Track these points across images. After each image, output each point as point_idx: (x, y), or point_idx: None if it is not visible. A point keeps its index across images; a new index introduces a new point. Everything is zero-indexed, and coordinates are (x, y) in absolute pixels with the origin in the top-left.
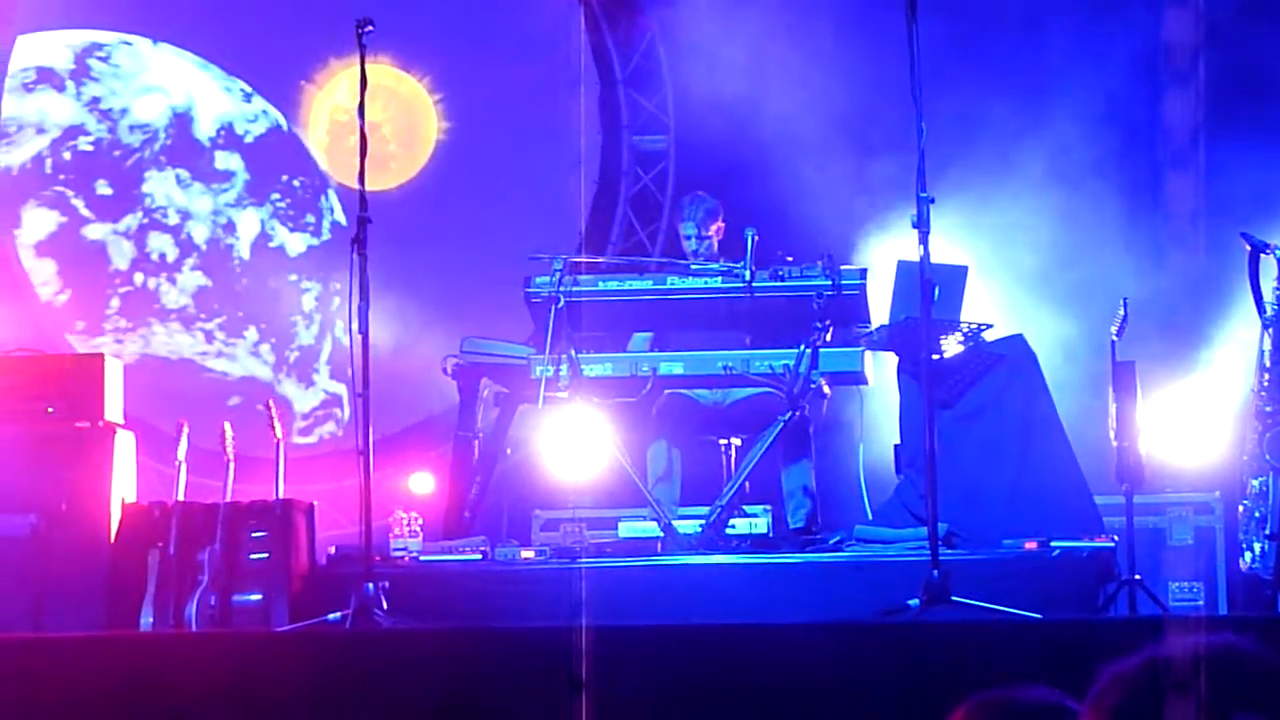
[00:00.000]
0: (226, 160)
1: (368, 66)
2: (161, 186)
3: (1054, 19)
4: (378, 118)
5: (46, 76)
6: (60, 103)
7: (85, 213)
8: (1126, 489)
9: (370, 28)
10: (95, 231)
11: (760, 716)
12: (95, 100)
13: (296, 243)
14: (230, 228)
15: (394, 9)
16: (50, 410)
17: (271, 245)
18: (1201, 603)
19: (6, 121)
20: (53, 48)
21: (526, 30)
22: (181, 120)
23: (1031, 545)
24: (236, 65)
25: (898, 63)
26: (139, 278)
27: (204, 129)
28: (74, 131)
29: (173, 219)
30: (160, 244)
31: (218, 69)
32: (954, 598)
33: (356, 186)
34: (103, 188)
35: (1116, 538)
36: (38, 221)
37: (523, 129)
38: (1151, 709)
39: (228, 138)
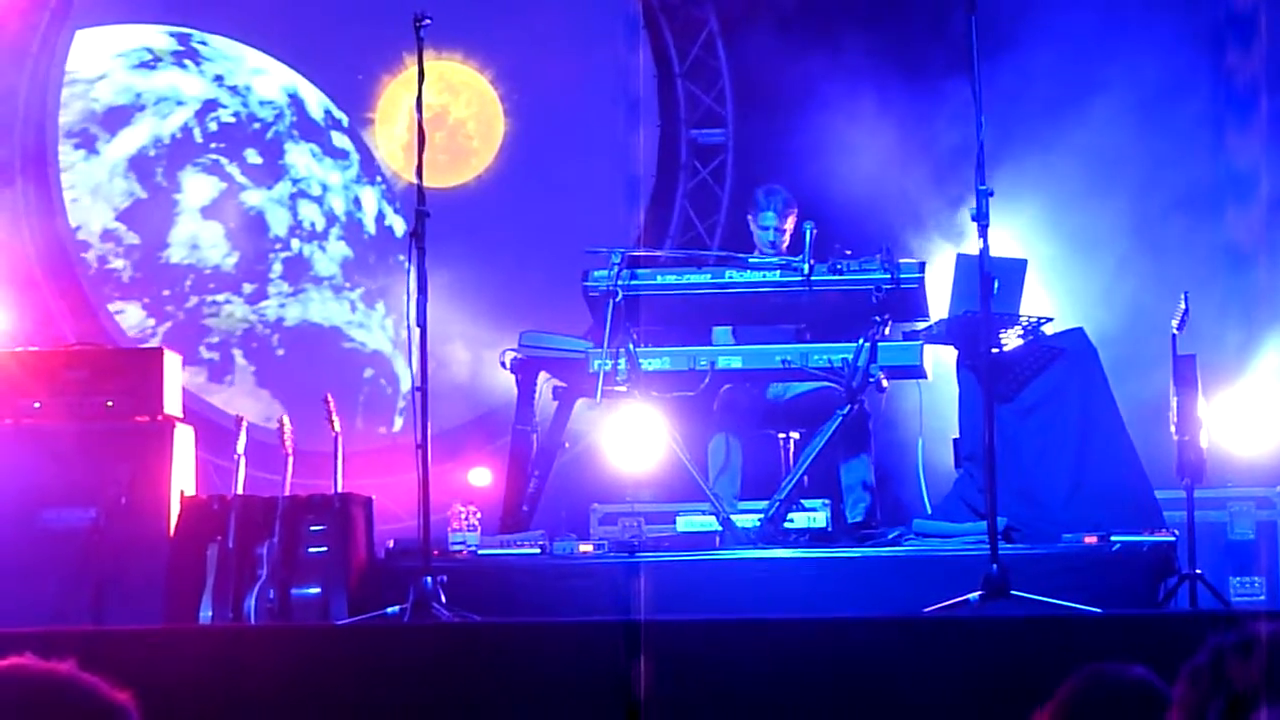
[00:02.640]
0: (340, 140)
1: (445, 64)
2: (301, 159)
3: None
4: (462, 114)
5: (160, 56)
6: (187, 78)
7: (242, 180)
8: (1187, 483)
9: (428, 21)
10: (253, 198)
11: (818, 711)
12: (219, 77)
13: (399, 224)
14: (358, 203)
15: (456, 5)
16: (110, 404)
17: (386, 224)
18: (1263, 597)
19: (141, 96)
20: (149, 33)
21: (585, 25)
22: (295, 100)
23: (1091, 540)
24: (307, 67)
25: (959, 51)
26: (295, 244)
27: (313, 110)
28: (211, 105)
29: (315, 190)
30: (310, 213)
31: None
32: (1013, 592)
33: (444, 183)
34: (253, 157)
35: (1177, 532)
36: (200, 187)
37: (581, 123)
38: (1219, 703)
39: (332, 120)
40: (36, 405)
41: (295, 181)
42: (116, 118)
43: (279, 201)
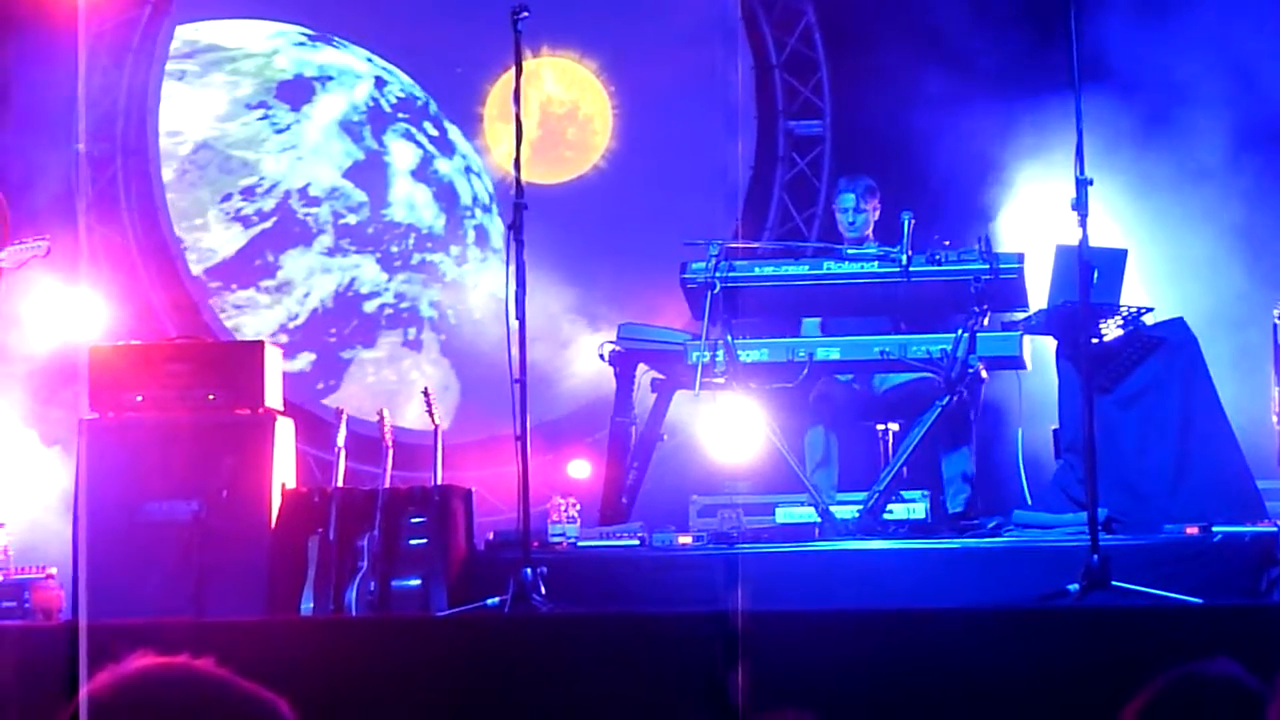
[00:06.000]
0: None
1: (565, 61)
2: (456, 137)
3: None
4: (591, 110)
5: (310, 38)
6: (348, 56)
7: (430, 149)
8: None
9: (525, 14)
10: (443, 166)
11: (917, 701)
12: (369, 59)
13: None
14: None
15: (561, 2)
16: (211, 398)
17: None
18: None
19: (323, 68)
20: (272, 25)
21: (682, 17)
22: None
23: (1193, 530)
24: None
25: (1059, 39)
26: (479, 214)
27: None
28: (381, 80)
29: (476, 165)
30: (479, 188)
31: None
32: (1114, 583)
33: (564, 178)
34: (430, 129)
35: (1279, 522)
36: (404, 151)
37: (678, 115)
38: None
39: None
40: (139, 399)
41: (464, 156)
42: (302, 88)
43: (459, 172)
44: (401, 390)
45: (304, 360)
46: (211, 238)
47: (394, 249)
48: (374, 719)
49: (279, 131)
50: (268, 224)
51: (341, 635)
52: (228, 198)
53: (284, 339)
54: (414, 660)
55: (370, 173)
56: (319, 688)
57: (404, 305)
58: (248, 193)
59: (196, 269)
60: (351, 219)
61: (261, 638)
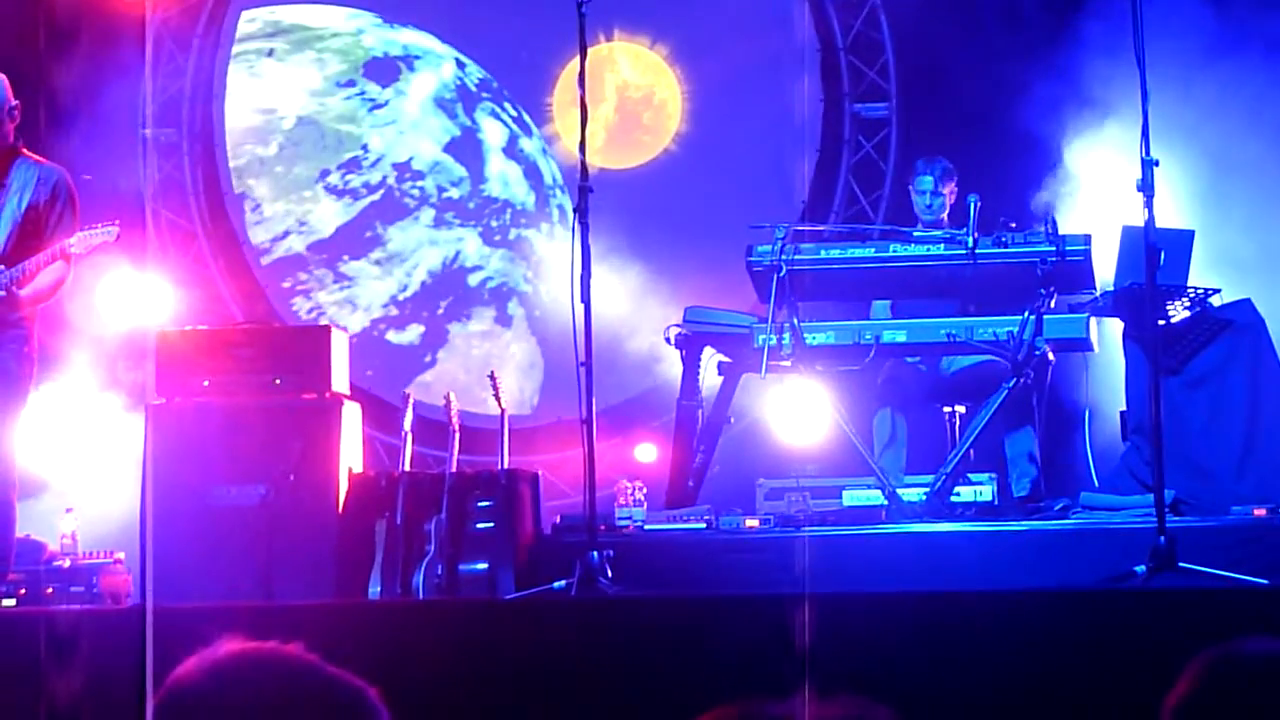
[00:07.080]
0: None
1: (638, 47)
2: (530, 120)
3: None
4: (665, 95)
5: (383, 21)
6: (425, 37)
7: (514, 128)
8: None
9: None
10: (527, 145)
11: (984, 683)
12: (442, 42)
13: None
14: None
15: None
16: (277, 382)
17: None
18: None
19: (407, 48)
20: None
21: (748, 2)
22: None
23: (1260, 512)
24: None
25: (1122, 26)
26: (559, 194)
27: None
28: (460, 63)
29: (549, 148)
30: (555, 170)
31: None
32: (1181, 565)
33: (636, 162)
34: (510, 109)
35: None
36: (494, 129)
37: (744, 98)
38: None
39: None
40: (206, 383)
41: (541, 138)
42: (388, 67)
43: (539, 153)
44: (495, 367)
45: (413, 332)
46: (321, 209)
47: (493, 223)
48: (440, 702)
49: (374, 108)
50: (375, 196)
51: (409, 619)
52: (327, 172)
53: (394, 311)
54: (481, 644)
55: (467, 148)
56: (386, 671)
57: (500, 281)
58: (353, 166)
59: (300, 244)
60: (454, 193)
61: (329, 621)
